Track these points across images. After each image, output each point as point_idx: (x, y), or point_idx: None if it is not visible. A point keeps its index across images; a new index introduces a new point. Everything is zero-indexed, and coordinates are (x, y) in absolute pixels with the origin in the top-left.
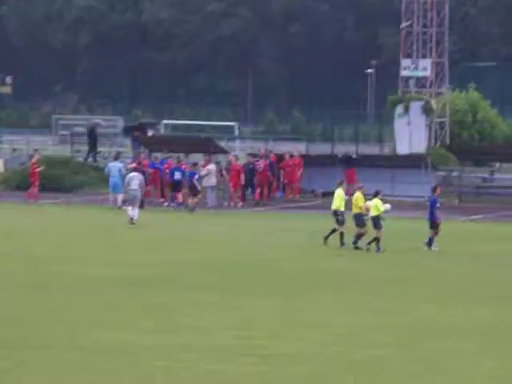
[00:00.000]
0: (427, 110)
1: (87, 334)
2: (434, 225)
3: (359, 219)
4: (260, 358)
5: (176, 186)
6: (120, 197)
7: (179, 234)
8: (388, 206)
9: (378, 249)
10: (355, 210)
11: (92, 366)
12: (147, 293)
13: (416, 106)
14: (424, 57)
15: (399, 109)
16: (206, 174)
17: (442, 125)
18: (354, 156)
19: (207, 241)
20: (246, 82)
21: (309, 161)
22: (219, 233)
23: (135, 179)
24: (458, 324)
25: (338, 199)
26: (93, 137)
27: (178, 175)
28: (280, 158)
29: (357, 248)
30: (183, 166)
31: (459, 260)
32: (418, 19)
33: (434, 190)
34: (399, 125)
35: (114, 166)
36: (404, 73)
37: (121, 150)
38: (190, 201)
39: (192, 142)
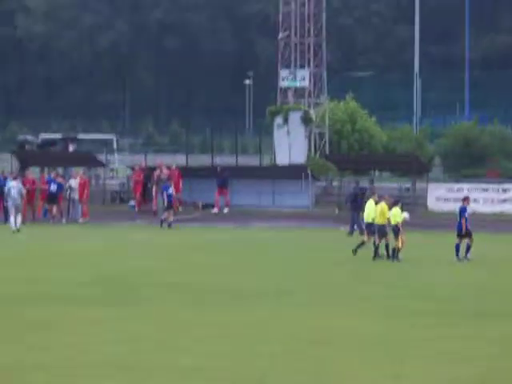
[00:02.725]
0: (306, 120)
1: None
2: (464, 233)
3: (383, 230)
4: (146, 371)
5: (52, 198)
6: (19, 218)
7: (58, 248)
8: (406, 214)
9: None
10: (380, 221)
11: None
12: (24, 309)
13: (295, 117)
14: (302, 67)
15: (278, 119)
16: (73, 188)
17: (321, 135)
18: (219, 169)
19: (88, 255)
20: (123, 95)
21: (189, 173)
22: (99, 247)
23: (14, 188)
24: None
25: (372, 211)
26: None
27: (53, 188)
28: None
29: (355, 252)
30: (59, 179)
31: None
32: (296, 30)
33: (464, 200)
34: (279, 135)
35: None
36: (282, 83)
37: None
38: (167, 215)
39: (71, 156)
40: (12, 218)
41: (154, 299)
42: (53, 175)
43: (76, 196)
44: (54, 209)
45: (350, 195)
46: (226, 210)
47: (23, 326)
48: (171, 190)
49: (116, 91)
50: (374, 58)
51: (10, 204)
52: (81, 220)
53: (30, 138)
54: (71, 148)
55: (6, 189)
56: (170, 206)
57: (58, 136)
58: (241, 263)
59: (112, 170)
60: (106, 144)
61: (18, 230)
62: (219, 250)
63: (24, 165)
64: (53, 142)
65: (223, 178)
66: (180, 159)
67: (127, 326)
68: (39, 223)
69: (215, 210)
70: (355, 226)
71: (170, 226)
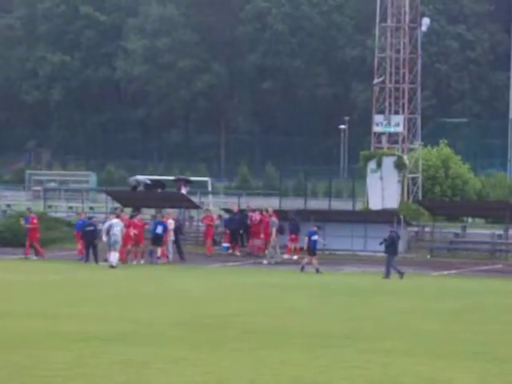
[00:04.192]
0: (399, 166)
1: None
2: None
3: None
4: None
5: (156, 240)
6: (117, 255)
7: (152, 289)
8: None
9: None
10: None
11: None
12: (118, 349)
13: (388, 162)
14: (396, 113)
15: (372, 164)
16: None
17: (414, 180)
18: (292, 216)
19: (177, 296)
20: (219, 138)
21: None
22: (191, 287)
23: (117, 225)
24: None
25: None
26: None
27: (159, 229)
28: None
29: None
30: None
31: (431, 315)
32: (391, 75)
33: None
34: (372, 180)
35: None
36: (376, 129)
37: (93, 205)
38: (314, 261)
39: (165, 198)
40: (111, 254)
41: (242, 341)
42: (158, 217)
43: (171, 237)
44: (159, 251)
45: (388, 239)
46: (295, 257)
47: (110, 365)
48: (317, 237)
49: (212, 134)
50: (469, 104)
51: (111, 240)
52: (159, 261)
53: (141, 178)
54: (184, 190)
55: (107, 225)
56: (314, 252)
57: (170, 178)
58: (328, 307)
59: (205, 211)
60: (201, 186)
61: (115, 267)
62: (306, 294)
63: (124, 205)
64: (162, 184)
65: (295, 223)
66: (274, 202)
67: (215, 368)
68: (133, 264)
69: (295, 257)
70: (391, 269)
71: (318, 271)
